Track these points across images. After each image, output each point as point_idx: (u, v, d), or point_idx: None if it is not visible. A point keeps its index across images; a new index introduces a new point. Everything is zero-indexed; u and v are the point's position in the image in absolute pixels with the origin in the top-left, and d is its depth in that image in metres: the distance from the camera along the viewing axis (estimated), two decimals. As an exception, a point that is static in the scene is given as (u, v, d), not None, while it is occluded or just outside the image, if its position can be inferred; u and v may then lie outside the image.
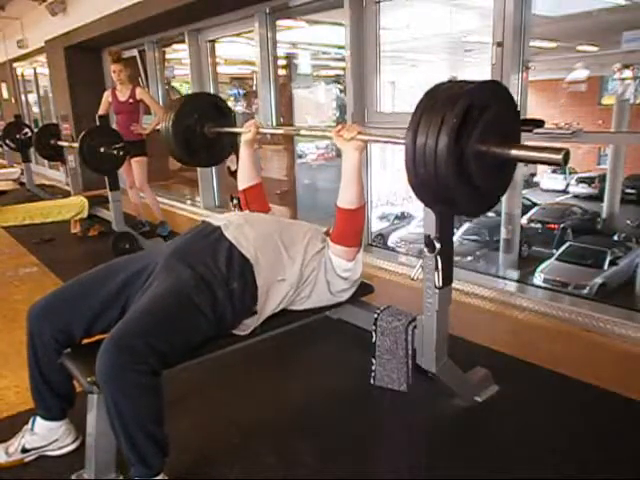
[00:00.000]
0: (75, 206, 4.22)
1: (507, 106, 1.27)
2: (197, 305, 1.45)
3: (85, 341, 1.55)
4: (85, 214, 4.24)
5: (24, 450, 1.59)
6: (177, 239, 1.71)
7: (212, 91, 4.99)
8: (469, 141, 1.16)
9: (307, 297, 1.72)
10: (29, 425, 1.61)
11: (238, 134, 2.24)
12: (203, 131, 2.32)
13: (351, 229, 1.69)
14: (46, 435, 1.60)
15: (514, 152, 1.20)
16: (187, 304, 1.44)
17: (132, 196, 4.58)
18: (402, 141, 1.24)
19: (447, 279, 1.60)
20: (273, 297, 1.63)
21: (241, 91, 6.48)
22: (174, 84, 6.41)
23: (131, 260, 1.66)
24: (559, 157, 1.16)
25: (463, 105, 1.14)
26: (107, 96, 4.41)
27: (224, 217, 1.76)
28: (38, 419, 1.60)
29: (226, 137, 2.38)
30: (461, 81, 1.26)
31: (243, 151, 2.10)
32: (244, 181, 2.08)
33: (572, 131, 2.37)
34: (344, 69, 3.36)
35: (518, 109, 1.31)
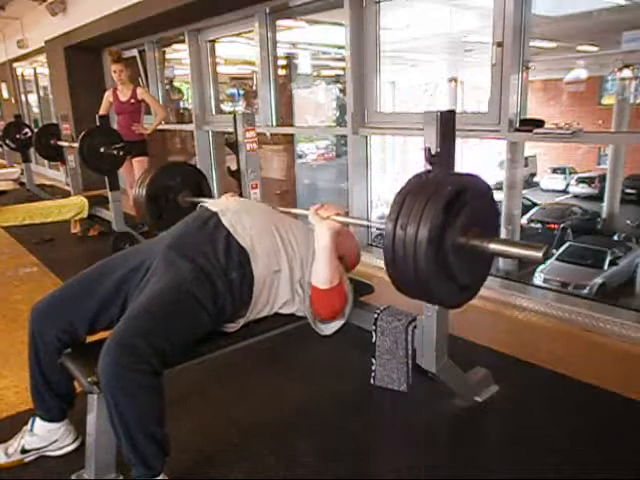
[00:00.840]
0: (75, 206, 4.21)
1: (486, 199, 1.25)
2: (198, 299, 1.45)
3: (85, 341, 1.56)
4: (85, 214, 4.23)
5: (23, 451, 1.59)
6: (174, 228, 1.68)
7: (212, 91, 5.01)
8: (450, 232, 1.14)
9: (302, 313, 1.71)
10: (28, 426, 1.61)
11: None
12: (177, 199, 2.29)
13: (326, 308, 1.63)
14: (45, 436, 1.60)
15: (492, 246, 1.18)
16: (187, 299, 1.44)
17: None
18: (382, 226, 1.22)
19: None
20: (269, 289, 1.62)
21: (241, 91, 6.48)
22: (175, 84, 6.42)
23: (128, 255, 1.65)
24: (539, 255, 1.11)
25: (446, 197, 1.12)
26: (108, 96, 4.40)
27: (222, 202, 1.75)
28: (37, 420, 1.60)
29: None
30: (441, 172, 1.23)
31: None
32: None
33: (572, 131, 2.38)
34: (344, 69, 3.36)
35: (497, 205, 1.30)
